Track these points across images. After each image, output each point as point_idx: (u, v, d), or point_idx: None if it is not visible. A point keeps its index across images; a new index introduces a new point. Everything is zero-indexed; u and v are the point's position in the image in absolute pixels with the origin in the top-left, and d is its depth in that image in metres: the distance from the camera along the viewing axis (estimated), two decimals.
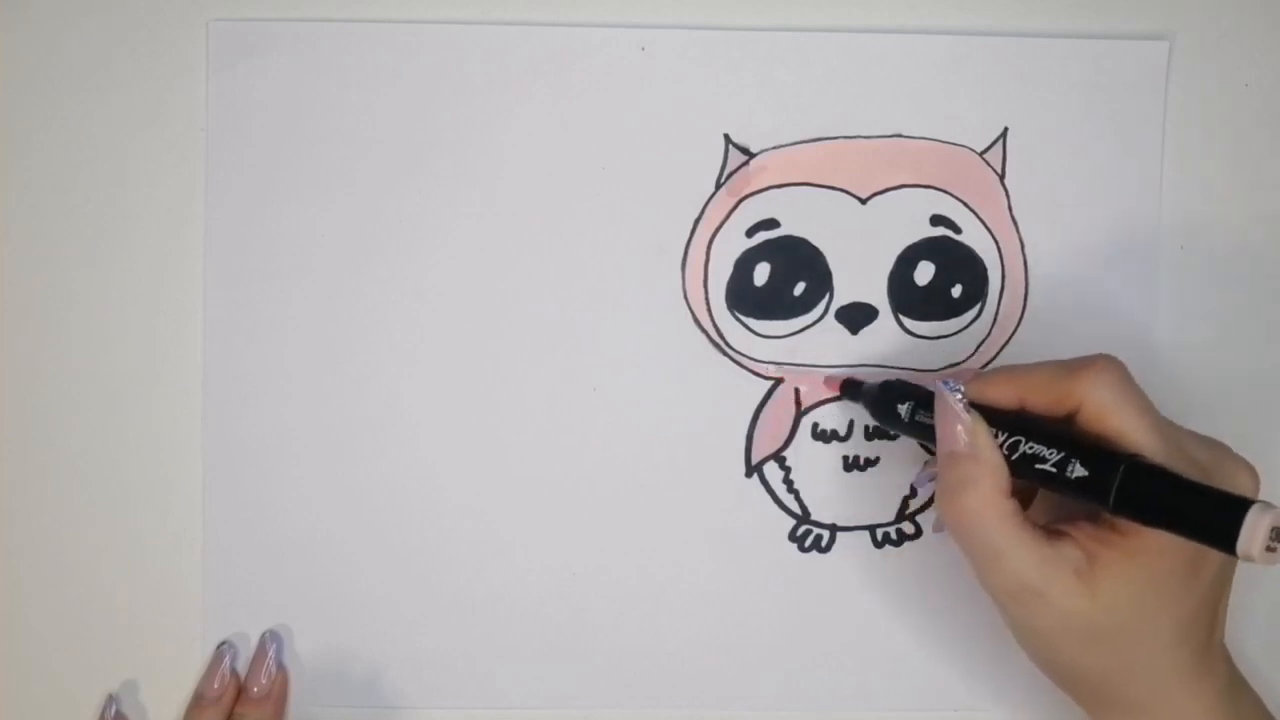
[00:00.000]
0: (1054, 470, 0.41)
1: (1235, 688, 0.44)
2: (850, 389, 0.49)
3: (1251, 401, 0.51)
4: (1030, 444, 0.41)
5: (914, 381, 0.47)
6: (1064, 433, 0.42)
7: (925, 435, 0.45)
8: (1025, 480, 0.42)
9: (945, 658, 0.51)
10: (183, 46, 0.50)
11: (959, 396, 0.43)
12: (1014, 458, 0.42)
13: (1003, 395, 0.43)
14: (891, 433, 0.50)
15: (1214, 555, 0.41)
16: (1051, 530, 0.42)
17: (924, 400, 0.45)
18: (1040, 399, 0.42)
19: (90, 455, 0.51)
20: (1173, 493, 0.39)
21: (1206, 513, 0.38)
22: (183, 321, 0.50)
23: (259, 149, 0.50)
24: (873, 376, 0.50)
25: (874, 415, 0.47)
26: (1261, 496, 0.47)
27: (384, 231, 0.50)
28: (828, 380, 0.50)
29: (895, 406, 0.46)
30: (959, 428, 0.42)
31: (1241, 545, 0.36)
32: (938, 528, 0.43)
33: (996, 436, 0.42)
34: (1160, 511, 0.39)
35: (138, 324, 0.50)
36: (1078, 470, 0.40)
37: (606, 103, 0.50)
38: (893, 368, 0.50)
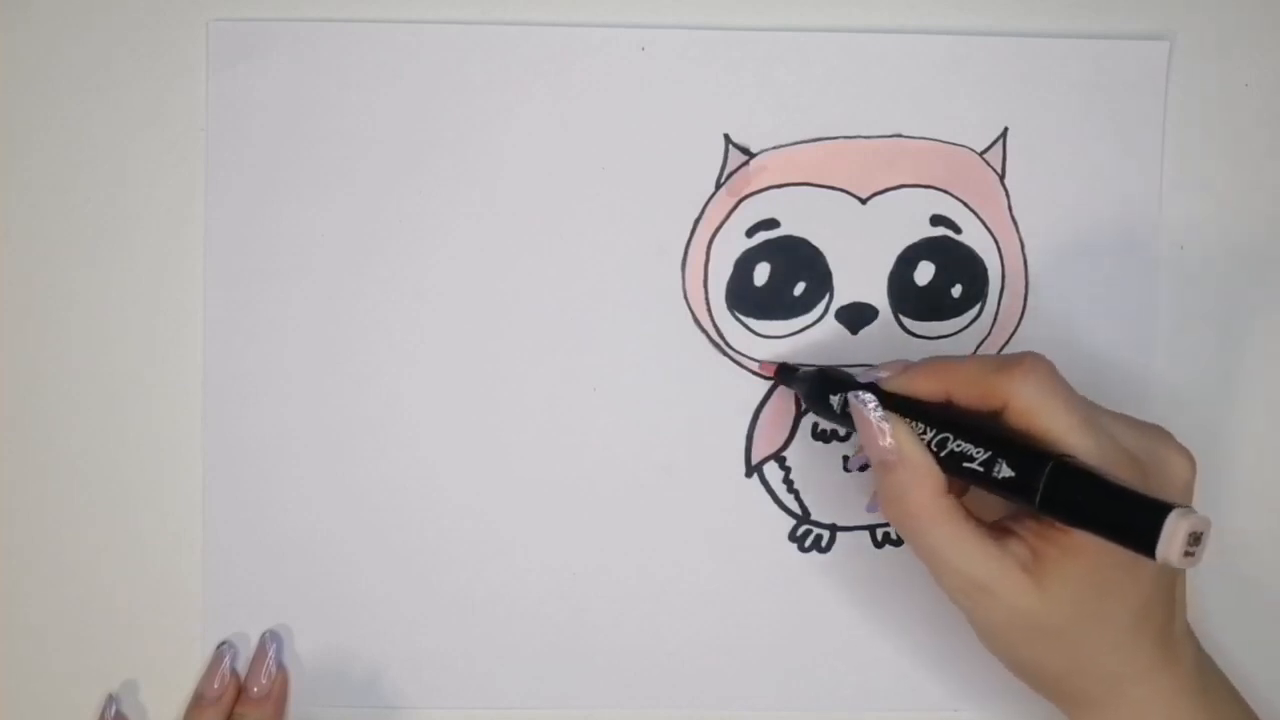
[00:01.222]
0: (980, 469, 0.41)
1: (1203, 671, 0.43)
2: (785, 374, 0.49)
3: (1251, 401, 0.51)
4: (958, 442, 0.41)
5: (847, 374, 0.46)
6: (992, 430, 0.41)
7: (853, 426, 0.44)
8: (954, 477, 0.42)
9: (945, 658, 0.51)
10: (183, 46, 0.50)
11: (873, 406, 0.42)
12: (942, 454, 0.42)
13: (929, 387, 0.43)
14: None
15: None
16: (999, 527, 0.42)
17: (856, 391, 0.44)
18: (967, 394, 0.42)
19: (90, 455, 0.51)
20: (1097, 496, 0.39)
21: (1128, 517, 0.38)
22: (183, 321, 0.50)
23: (259, 149, 0.50)
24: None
25: (807, 403, 0.47)
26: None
27: (384, 231, 0.50)
28: (763, 364, 0.50)
29: (827, 397, 0.46)
30: (884, 436, 0.42)
31: (1160, 550, 0.37)
32: (870, 507, 0.43)
33: (925, 433, 0.42)
34: (1084, 514, 0.39)
35: (138, 324, 0.50)
36: (1004, 470, 0.40)
37: (606, 103, 0.50)
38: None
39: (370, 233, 0.50)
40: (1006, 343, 0.51)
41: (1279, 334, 0.51)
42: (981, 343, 0.51)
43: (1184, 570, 0.43)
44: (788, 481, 0.51)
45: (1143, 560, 0.39)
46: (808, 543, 0.51)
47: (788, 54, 0.50)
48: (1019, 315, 0.51)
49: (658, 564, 0.51)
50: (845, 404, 0.44)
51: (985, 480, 0.41)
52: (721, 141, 0.50)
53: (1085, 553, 0.40)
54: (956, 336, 0.50)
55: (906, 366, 0.44)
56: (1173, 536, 0.36)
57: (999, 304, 0.51)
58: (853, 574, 0.51)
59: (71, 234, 0.50)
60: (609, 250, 0.50)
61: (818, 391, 0.46)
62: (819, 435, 0.51)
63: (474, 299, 0.50)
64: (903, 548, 0.51)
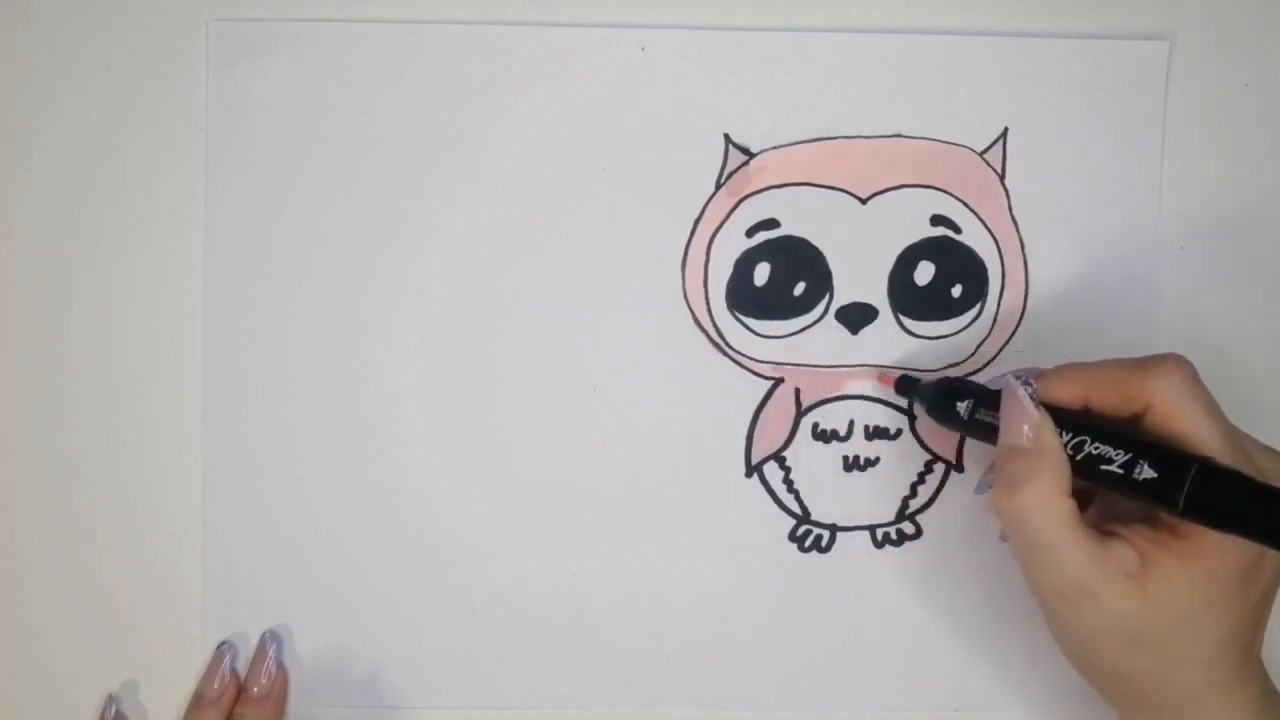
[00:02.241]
0: (1120, 471, 0.40)
1: (1269, 699, 0.43)
2: (905, 385, 0.48)
3: (1251, 401, 0.51)
4: (1096, 444, 0.41)
5: (972, 381, 0.47)
6: (1129, 433, 0.41)
7: (984, 434, 0.44)
8: (1089, 481, 0.41)
9: (945, 658, 0.51)
10: (183, 46, 0.50)
11: (1029, 391, 0.42)
12: (1078, 458, 0.41)
13: (1068, 394, 0.43)
14: (892, 431, 0.50)
15: (1270, 566, 0.41)
16: (1103, 531, 0.41)
17: (983, 398, 0.44)
18: (1106, 398, 0.42)
19: (90, 455, 0.51)
20: (1246, 496, 0.38)
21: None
22: (183, 321, 0.50)
23: (259, 149, 0.50)
24: (874, 376, 0.50)
25: (930, 413, 0.46)
26: None
27: (384, 231, 0.50)
28: (882, 376, 0.50)
29: (954, 404, 0.45)
30: (1025, 425, 0.42)
31: None
32: (980, 489, 0.43)
33: (1061, 435, 0.41)
34: (1232, 515, 0.38)
35: (138, 324, 0.50)
36: (1145, 472, 0.40)
37: (606, 103, 0.50)
38: (893, 368, 0.50)
39: (370, 233, 0.50)
40: (1006, 343, 0.51)
41: (1279, 334, 0.51)
42: (981, 343, 0.51)
43: (1275, 598, 0.43)
44: (788, 481, 0.51)
45: (1252, 578, 0.39)
46: (808, 543, 0.51)
47: (788, 54, 0.50)
48: (1019, 315, 0.51)
49: (658, 564, 0.51)
50: (974, 410, 0.44)
51: (1123, 483, 0.40)
52: (721, 141, 0.50)
53: (1199, 563, 0.40)
54: (956, 336, 0.50)
55: (1042, 373, 0.44)
56: None
57: (999, 304, 0.51)
58: (853, 574, 0.51)
59: (71, 234, 0.50)
60: (609, 250, 0.50)
61: (944, 400, 0.46)
62: (819, 435, 0.51)
63: (474, 299, 0.50)
64: (903, 547, 0.51)
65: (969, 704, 0.51)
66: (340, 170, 0.50)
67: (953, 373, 0.50)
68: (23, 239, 0.50)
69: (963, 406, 0.45)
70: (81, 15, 0.50)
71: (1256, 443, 0.42)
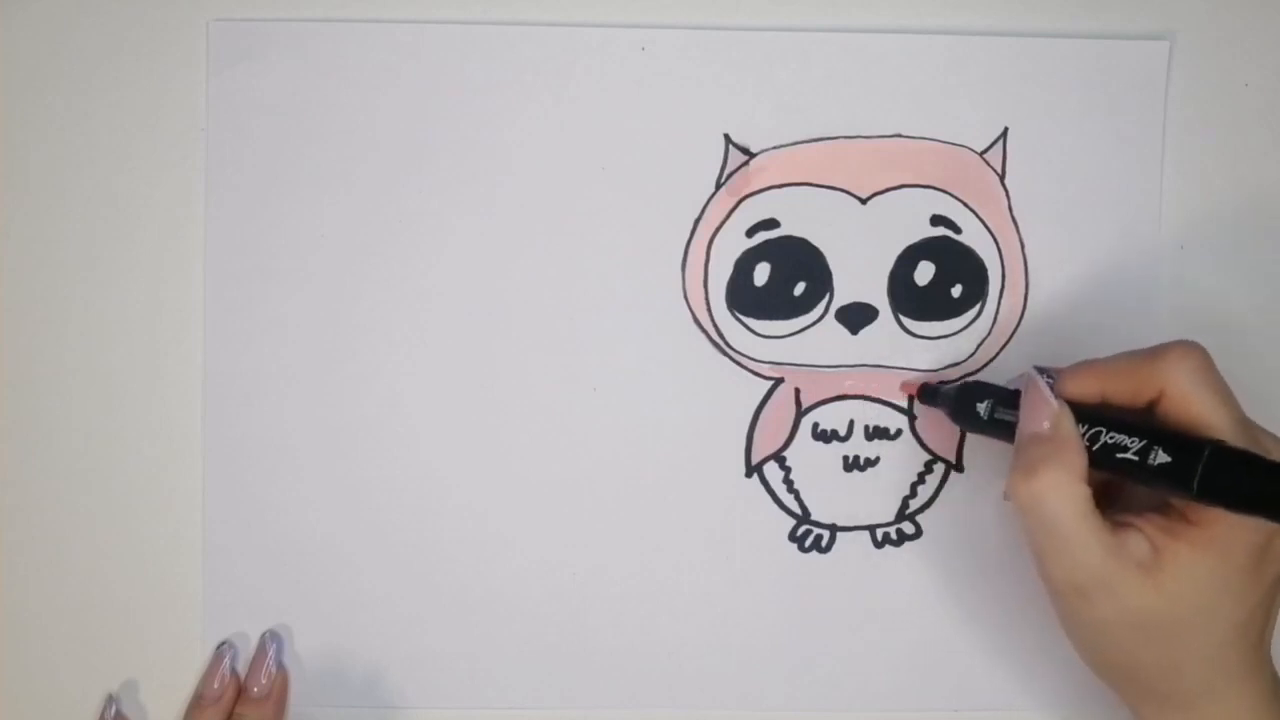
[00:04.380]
0: (1135, 458, 0.41)
1: (1277, 692, 0.43)
2: (928, 394, 0.49)
3: (1251, 401, 0.51)
4: (1111, 434, 0.41)
5: (993, 383, 0.47)
6: (1144, 422, 0.42)
7: (1004, 433, 0.45)
8: (1106, 470, 0.42)
9: (945, 658, 0.51)
10: (183, 46, 0.50)
11: (1050, 381, 0.43)
12: (1095, 448, 0.42)
13: (1085, 389, 0.43)
14: (892, 431, 0.50)
15: (1278, 552, 0.41)
16: (1116, 522, 0.42)
17: (1002, 398, 0.45)
18: (1121, 388, 0.43)
19: (90, 455, 0.51)
20: (1259, 476, 0.39)
21: None
22: (183, 321, 0.50)
23: (259, 149, 0.50)
24: (874, 376, 0.50)
25: (953, 417, 0.47)
26: None
27: (384, 231, 0.50)
28: (904, 385, 0.50)
29: (975, 405, 0.46)
30: (1045, 415, 0.42)
31: None
32: (1007, 495, 0.43)
33: (1078, 428, 0.42)
34: (1246, 495, 0.39)
35: (138, 324, 0.50)
36: (1160, 457, 0.40)
37: (606, 103, 0.50)
38: (893, 368, 0.50)
39: (370, 233, 0.50)
40: (1006, 343, 0.51)
41: (1279, 334, 0.51)
42: (981, 343, 0.51)
43: None
44: (788, 481, 0.51)
45: (1264, 564, 0.40)
46: (808, 543, 0.51)
47: (788, 54, 0.50)
48: (1019, 315, 0.51)
49: (658, 564, 0.51)
50: (993, 410, 0.45)
51: (1139, 469, 0.41)
52: (721, 141, 0.50)
53: (1212, 549, 0.40)
54: (956, 336, 0.50)
55: (1058, 371, 0.44)
56: None
57: (999, 304, 0.51)
58: (853, 574, 0.51)
59: (71, 234, 0.50)
60: (609, 250, 0.50)
61: (965, 403, 0.46)
62: (819, 435, 0.51)
63: (474, 299, 0.50)
64: (903, 548, 0.51)
65: (969, 704, 0.51)
66: (340, 170, 0.50)
67: (952, 373, 0.50)
68: (23, 239, 0.50)
69: (982, 407, 0.46)
70: (81, 15, 0.50)
71: (1266, 431, 0.43)
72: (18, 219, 0.50)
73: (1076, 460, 0.41)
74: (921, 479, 0.51)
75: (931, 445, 0.50)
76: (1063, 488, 0.41)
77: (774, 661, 0.51)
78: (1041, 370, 0.44)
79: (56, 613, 0.51)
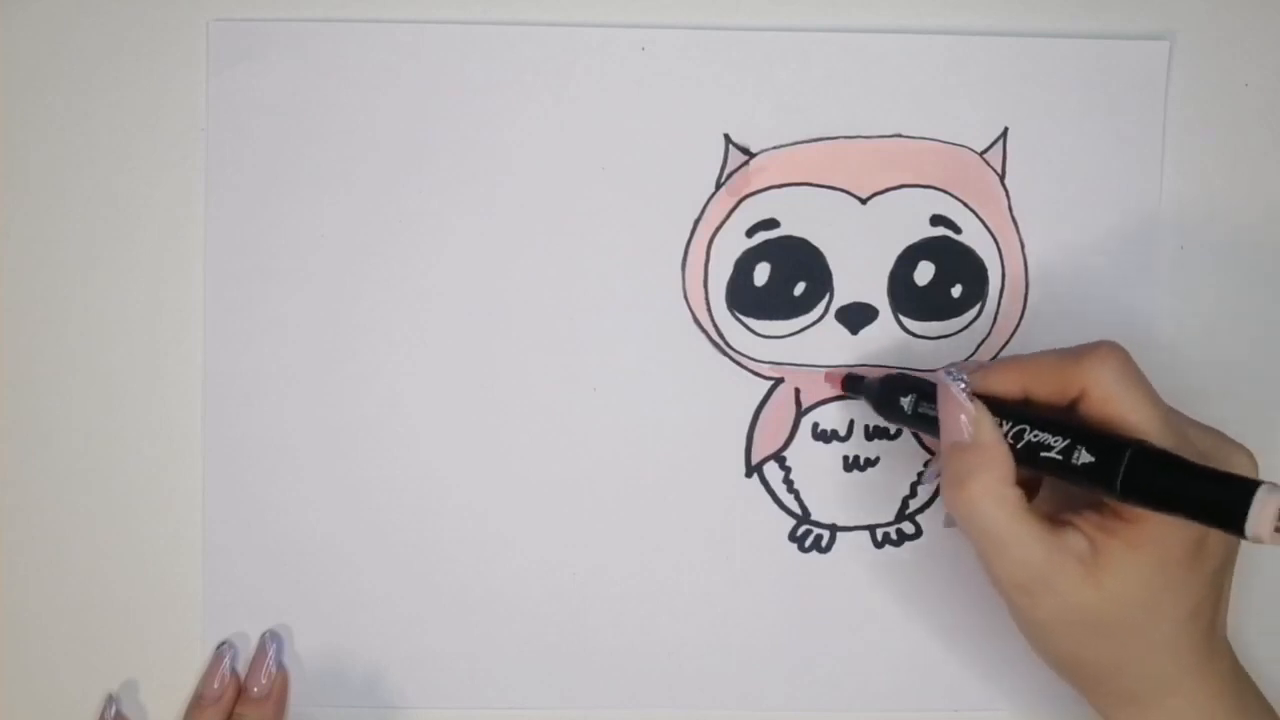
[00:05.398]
0: (1059, 458, 0.41)
1: (1238, 679, 0.44)
2: (852, 384, 0.49)
3: (1251, 401, 0.51)
4: (1035, 432, 0.41)
5: (916, 376, 0.47)
6: (1068, 421, 0.42)
7: (928, 428, 0.45)
8: (1032, 469, 0.42)
9: (945, 658, 0.51)
10: (183, 46, 0.50)
11: (962, 386, 0.43)
12: (1019, 446, 0.42)
13: (1006, 385, 0.43)
14: (892, 431, 0.50)
15: (1216, 544, 0.41)
16: (1056, 520, 0.42)
17: (927, 393, 0.45)
18: (1044, 387, 0.42)
19: (90, 455, 0.51)
20: (1180, 477, 0.39)
21: (1215, 495, 0.38)
22: (183, 321, 0.50)
23: (259, 149, 0.50)
24: (871, 373, 0.50)
25: (876, 410, 0.47)
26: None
27: (384, 231, 0.50)
28: (828, 376, 0.50)
29: (898, 400, 0.46)
30: (962, 418, 0.42)
31: (1250, 527, 0.36)
32: (947, 523, 0.43)
33: (1001, 426, 0.42)
34: (1168, 496, 0.39)
35: (138, 324, 0.50)
36: (1083, 457, 0.40)
37: (606, 103, 0.50)
38: (893, 367, 0.50)
39: (370, 233, 0.50)
40: (1006, 343, 0.51)
41: (1278, 333, 0.51)
42: (981, 343, 0.51)
43: (1231, 575, 0.43)
44: (788, 481, 0.51)
45: (1201, 557, 0.39)
46: (808, 543, 0.51)
47: (788, 54, 0.50)
48: (1019, 315, 0.51)
49: (658, 564, 0.51)
50: (916, 405, 0.45)
51: (1063, 469, 0.41)
52: (721, 141, 0.50)
53: (1147, 546, 0.40)
54: (956, 336, 0.50)
55: (980, 366, 0.44)
56: (1263, 511, 0.36)
57: (999, 304, 0.51)
58: (853, 574, 0.51)
59: (71, 234, 0.50)
60: (609, 250, 0.50)
61: (888, 395, 0.46)
62: (819, 435, 0.51)
63: (474, 299, 0.50)
64: (903, 548, 0.51)
65: (969, 704, 0.51)
66: (340, 170, 0.50)
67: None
68: (23, 239, 0.50)
69: (906, 402, 0.46)
70: (81, 15, 0.50)
71: (1195, 423, 0.43)
72: (18, 219, 0.50)
73: (1003, 464, 0.41)
74: (921, 479, 0.51)
75: (932, 445, 0.50)
76: (993, 494, 0.41)
77: (774, 661, 0.51)
78: (951, 371, 0.43)
79: (56, 613, 0.51)
